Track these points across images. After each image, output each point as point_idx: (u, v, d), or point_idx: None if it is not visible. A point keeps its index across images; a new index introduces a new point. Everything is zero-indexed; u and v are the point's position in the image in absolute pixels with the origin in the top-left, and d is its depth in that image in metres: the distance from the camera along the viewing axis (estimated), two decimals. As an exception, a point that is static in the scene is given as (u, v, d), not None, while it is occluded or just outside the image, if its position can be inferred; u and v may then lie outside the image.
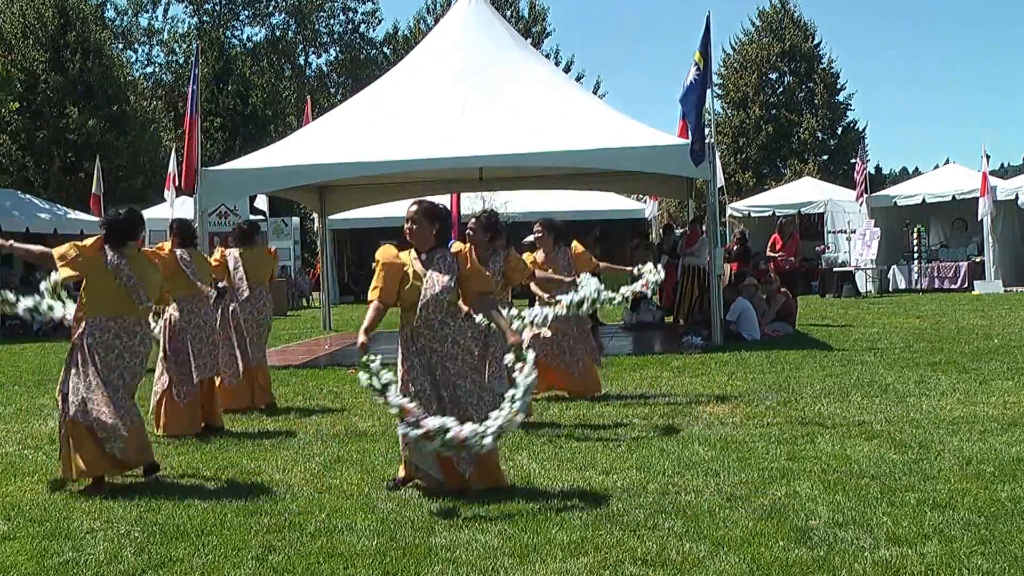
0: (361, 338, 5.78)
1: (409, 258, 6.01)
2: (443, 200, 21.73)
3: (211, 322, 8.61)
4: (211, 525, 5.29)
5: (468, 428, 5.50)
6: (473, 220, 7.89)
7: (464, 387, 5.93)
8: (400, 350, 6.03)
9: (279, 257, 12.33)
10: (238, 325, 9.46)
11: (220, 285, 9.34)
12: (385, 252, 6.05)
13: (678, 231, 20.96)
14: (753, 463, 6.37)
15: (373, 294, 5.93)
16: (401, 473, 6.10)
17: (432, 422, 5.52)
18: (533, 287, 8.81)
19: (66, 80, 33.26)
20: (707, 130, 13.66)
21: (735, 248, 19.16)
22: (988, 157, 23.53)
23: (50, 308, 7.23)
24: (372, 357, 5.65)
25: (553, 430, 7.73)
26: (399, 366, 6.02)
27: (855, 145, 37.98)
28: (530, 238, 9.68)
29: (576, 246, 9.55)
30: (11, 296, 7.23)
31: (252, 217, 28.43)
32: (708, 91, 13.84)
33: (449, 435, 5.46)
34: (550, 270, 9.08)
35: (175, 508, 5.66)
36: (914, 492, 5.54)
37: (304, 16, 54.49)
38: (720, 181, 17.67)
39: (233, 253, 9.53)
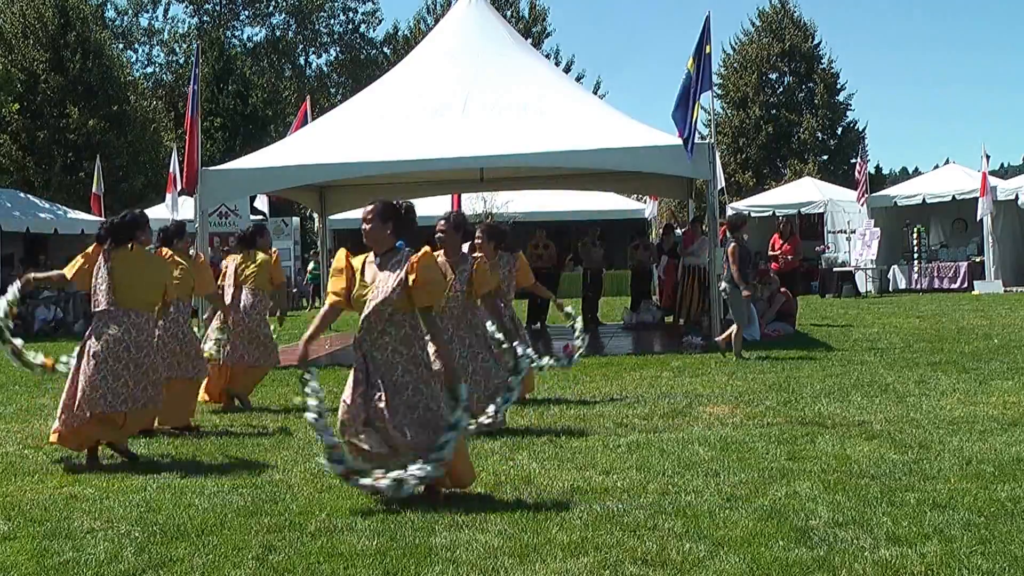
0: (301, 349, 5.66)
1: (362, 262, 5.79)
2: (444, 200, 21.87)
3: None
4: (211, 525, 5.29)
5: (384, 481, 5.43)
6: (442, 221, 7.61)
7: (402, 399, 5.58)
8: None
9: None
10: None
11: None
12: (337, 257, 5.85)
13: (678, 231, 20.97)
14: (753, 463, 6.37)
15: (327, 299, 5.85)
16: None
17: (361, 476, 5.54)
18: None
19: (66, 80, 33.27)
20: (707, 130, 13.71)
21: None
22: (988, 157, 23.54)
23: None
24: (308, 374, 5.68)
25: (553, 430, 7.73)
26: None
27: (855, 145, 37.98)
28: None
29: (522, 258, 9.31)
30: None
31: (254, 218, 28.46)
32: (709, 92, 13.88)
33: (365, 481, 5.50)
34: None
35: (175, 508, 5.66)
36: (914, 492, 5.54)
37: (304, 16, 54.50)
38: (721, 182, 17.67)
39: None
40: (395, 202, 5.85)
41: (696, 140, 13.45)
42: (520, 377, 7.29)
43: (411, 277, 5.56)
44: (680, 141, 13.26)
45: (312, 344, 5.66)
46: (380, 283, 5.64)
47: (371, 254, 5.79)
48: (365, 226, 5.76)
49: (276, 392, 10.36)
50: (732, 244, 12.10)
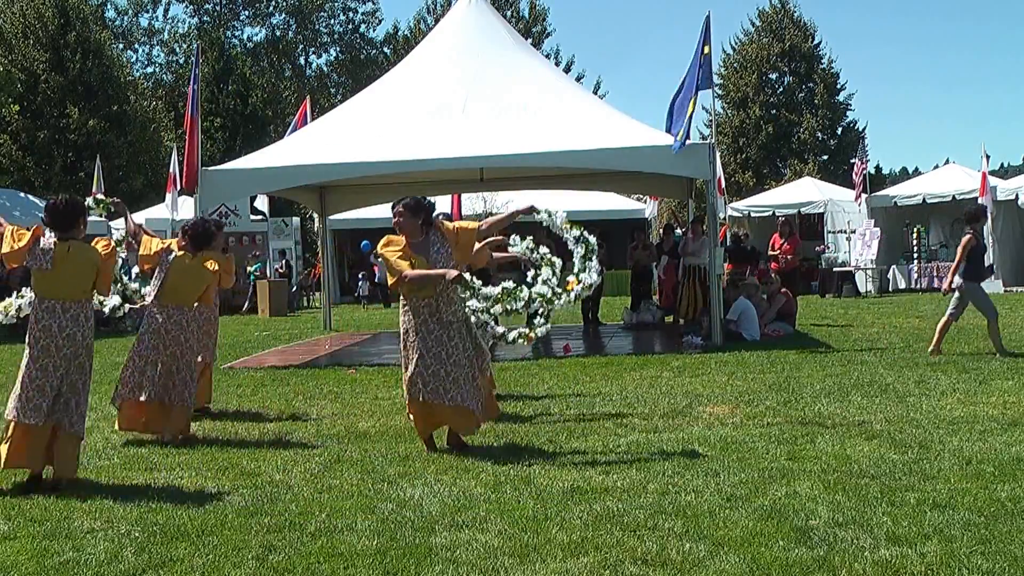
0: (452, 273, 6.70)
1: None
2: (444, 200, 21.84)
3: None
4: (211, 525, 5.29)
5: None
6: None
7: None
8: (415, 323, 7.00)
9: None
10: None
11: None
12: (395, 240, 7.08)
13: (679, 231, 20.96)
14: (753, 463, 6.37)
15: (405, 264, 6.85)
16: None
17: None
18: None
19: (66, 80, 33.30)
20: (707, 130, 13.70)
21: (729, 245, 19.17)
22: (988, 157, 23.52)
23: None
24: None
25: (553, 430, 7.73)
26: (412, 338, 7.00)
27: (855, 145, 37.97)
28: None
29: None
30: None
31: (254, 218, 28.41)
32: (710, 91, 13.88)
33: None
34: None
35: (175, 508, 5.66)
36: (914, 492, 5.54)
37: (304, 16, 54.53)
38: (721, 183, 17.66)
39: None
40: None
41: (696, 140, 13.41)
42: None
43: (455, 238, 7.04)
44: (671, 138, 13.27)
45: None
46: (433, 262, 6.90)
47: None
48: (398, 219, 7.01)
49: (276, 392, 10.36)
50: (968, 236, 11.26)
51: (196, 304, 8.19)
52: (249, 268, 27.01)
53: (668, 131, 13.57)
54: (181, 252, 8.20)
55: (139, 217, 28.84)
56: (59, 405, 6.27)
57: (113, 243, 6.90)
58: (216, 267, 8.32)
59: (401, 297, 7.18)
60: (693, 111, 13.31)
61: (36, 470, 6.28)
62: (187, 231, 8.23)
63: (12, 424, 6.29)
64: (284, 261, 28.04)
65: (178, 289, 8.05)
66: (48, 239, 6.41)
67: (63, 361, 6.27)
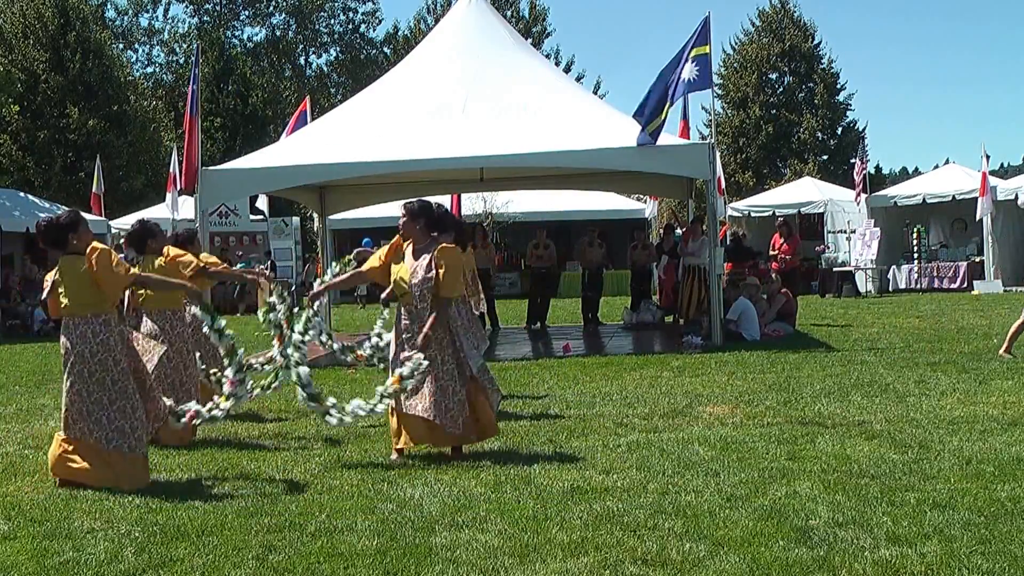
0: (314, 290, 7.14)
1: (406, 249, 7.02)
2: (443, 200, 21.84)
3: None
4: (211, 525, 5.29)
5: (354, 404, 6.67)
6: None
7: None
8: (395, 330, 7.00)
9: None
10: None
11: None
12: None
13: (679, 231, 20.97)
14: (753, 463, 6.37)
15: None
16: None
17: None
18: None
19: (66, 80, 33.32)
20: (707, 130, 13.71)
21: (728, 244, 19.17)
22: (988, 157, 23.54)
23: None
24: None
25: (553, 430, 7.73)
26: (394, 347, 7.02)
27: (855, 145, 37.97)
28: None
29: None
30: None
31: (254, 218, 28.34)
32: (710, 91, 13.87)
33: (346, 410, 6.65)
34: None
35: (175, 508, 5.66)
36: (914, 492, 5.54)
37: (304, 16, 54.56)
38: (721, 183, 17.65)
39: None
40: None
41: (696, 140, 13.40)
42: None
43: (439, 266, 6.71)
44: (684, 134, 13.23)
45: (321, 293, 7.36)
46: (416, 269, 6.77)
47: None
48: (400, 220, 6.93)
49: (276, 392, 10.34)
50: None
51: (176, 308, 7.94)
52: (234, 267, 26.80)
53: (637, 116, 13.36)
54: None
55: (139, 217, 28.86)
56: (89, 424, 6.21)
57: (110, 248, 6.69)
58: (165, 258, 7.93)
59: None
60: (668, 110, 13.23)
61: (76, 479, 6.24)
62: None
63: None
64: (270, 262, 27.65)
65: (147, 294, 7.81)
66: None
67: (72, 376, 6.24)
